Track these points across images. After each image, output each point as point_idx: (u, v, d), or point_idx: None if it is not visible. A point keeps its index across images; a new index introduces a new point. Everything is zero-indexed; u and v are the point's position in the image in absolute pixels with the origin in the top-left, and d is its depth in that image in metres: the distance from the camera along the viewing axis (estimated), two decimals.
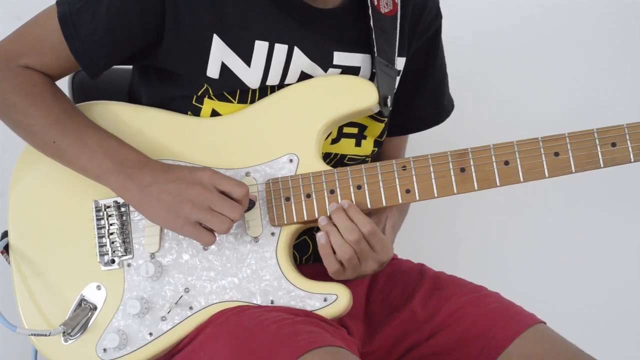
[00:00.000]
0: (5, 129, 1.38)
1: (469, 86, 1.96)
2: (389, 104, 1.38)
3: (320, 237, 1.28)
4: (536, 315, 1.38)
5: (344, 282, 1.38)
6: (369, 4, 1.39)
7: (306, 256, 1.42)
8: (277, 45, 1.34)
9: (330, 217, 1.28)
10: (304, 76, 1.37)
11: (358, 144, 1.45)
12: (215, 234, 1.27)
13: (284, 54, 1.34)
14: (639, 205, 2.09)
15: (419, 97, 1.53)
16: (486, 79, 2.09)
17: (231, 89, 1.36)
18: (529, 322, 1.34)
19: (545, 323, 1.37)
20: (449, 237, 2.16)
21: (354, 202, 1.30)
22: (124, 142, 1.33)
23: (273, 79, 1.35)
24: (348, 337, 1.31)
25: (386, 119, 1.46)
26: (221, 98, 1.36)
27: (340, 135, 1.42)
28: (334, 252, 1.28)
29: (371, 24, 1.38)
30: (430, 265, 1.51)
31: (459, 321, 1.35)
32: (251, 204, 1.29)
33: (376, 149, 1.48)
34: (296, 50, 1.34)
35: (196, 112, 1.38)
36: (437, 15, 1.50)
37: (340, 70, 1.38)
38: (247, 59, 1.34)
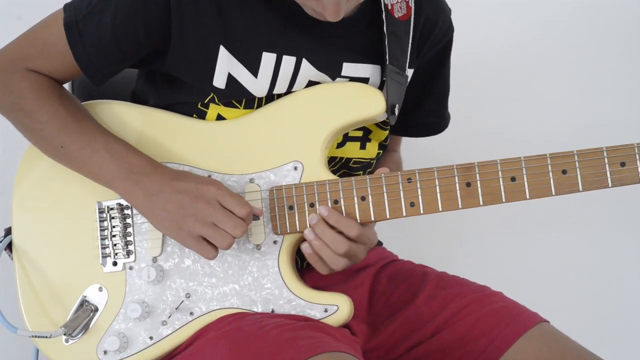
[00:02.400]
0: (5, 128, 1.38)
1: (476, 97, 1.95)
2: (396, 112, 1.36)
3: (305, 248, 1.28)
4: (539, 314, 1.37)
5: (345, 287, 1.38)
6: (383, 9, 1.36)
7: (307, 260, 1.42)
8: (285, 57, 1.32)
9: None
10: (311, 85, 1.35)
11: (363, 147, 1.43)
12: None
13: (292, 65, 1.33)
14: None
15: (422, 105, 1.52)
16: (495, 89, 2.07)
17: (238, 97, 1.34)
18: (533, 321, 1.34)
19: (548, 322, 1.36)
20: (450, 237, 2.15)
21: (358, 214, 1.29)
22: (131, 146, 1.32)
23: (280, 89, 1.34)
24: (351, 337, 1.31)
25: (389, 127, 1.45)
26: (227, 104, 1.35)
27: (346, 139, 1.41)
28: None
29: (384, 29, 1.36)
30: (432, 266, 1.50)
31: (463, 320, 1.35)
32: (256, 218, 1.28)
33: (381, 151, 1.47)
34: (304, 62, 1.33)
35: (201, 116, 1.37)
36: (449, 30, 1.47)
37: (348, 80, 1.37)
38: (254, 70, 1.32)
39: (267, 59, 1.32)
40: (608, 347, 1.32)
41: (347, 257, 1.27)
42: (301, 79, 1.34)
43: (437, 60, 1.49)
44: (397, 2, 1.38)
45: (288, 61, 1.32)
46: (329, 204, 1.30)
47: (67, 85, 1.55)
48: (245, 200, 1.27)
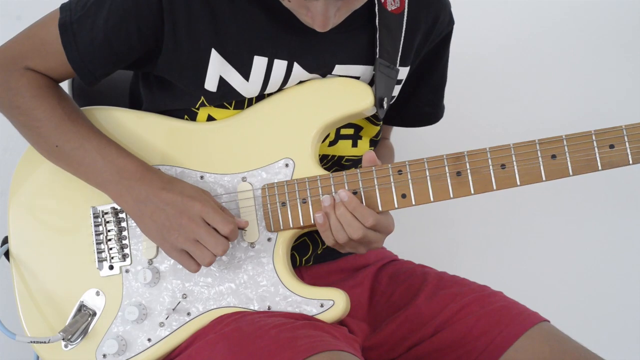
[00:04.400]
0: (5, 128, 1.39)
1: (467, 88, 1.94)
2: (385, 105, 1.37)
3: (318, 217, 1.27)
4: (539, 313, 1.37)
5: (344, 286, 1.38)
6: (376, 2, 1.37)
7: (306, 257, 1.42)
8: (276, 61, 1.33)
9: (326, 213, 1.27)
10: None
11: (354, 145, 1.44)
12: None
13: (283, 69, 1.33)
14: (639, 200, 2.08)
15: (419, 94, 1.52)
16: (484, 81, 2.07)
17: (228, 100, 1.35)
18: (533, 320, 1.34)
19: (549, 321, 1.36)
20: (450, 237, 2.15)
21: None
22: (122, 150, 1.33)
23: (271, 90, 1.35)
24: (349, 336, 1.31)
25: (381, 123, 1.45)
26: (218, 105, 1.36)
27: (338, 137, 1.41)
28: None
29: (376, 22, 1.37)
30: (432, 266, 1.50)
31: (464, 319, 1.35)
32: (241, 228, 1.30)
33: (372, 147, 1.48)
34: (295, 65, 1.33)
35: (192, 117, 1.38)
36: (450, 23, 1.48)
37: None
38: (245, 73, 1.33)
39: (259, 63, 1.32)
40: (608, 347, 1.32)
41: (361, 244, 1.28)
42: (293, 81, 1.34)
43: (436, 51, 1.49)
44: None
45: (279, 65, 1.33)
46: (322, 200, 1.30)
47: (66, 87, 1.57)
48: (230, 217, 1.27)
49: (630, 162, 1.23)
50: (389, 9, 1.38)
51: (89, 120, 1.37)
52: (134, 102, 1.49)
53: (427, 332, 1.36)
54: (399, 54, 1.40)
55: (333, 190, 1.30)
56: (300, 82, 1.35)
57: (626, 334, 2.16)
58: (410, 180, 1.28)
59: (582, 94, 2.11)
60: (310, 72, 1.35)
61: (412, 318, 1.38)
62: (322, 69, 1.35)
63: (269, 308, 1.31)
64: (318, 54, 1.35)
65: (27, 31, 1.39)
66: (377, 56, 1.36)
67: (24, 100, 1.34)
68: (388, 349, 1.38)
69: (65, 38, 1.32)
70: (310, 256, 1.42)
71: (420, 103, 1.54)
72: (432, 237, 2.11)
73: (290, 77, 1.34)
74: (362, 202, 1.28)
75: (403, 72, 1.43)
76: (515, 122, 2.06)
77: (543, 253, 2.16)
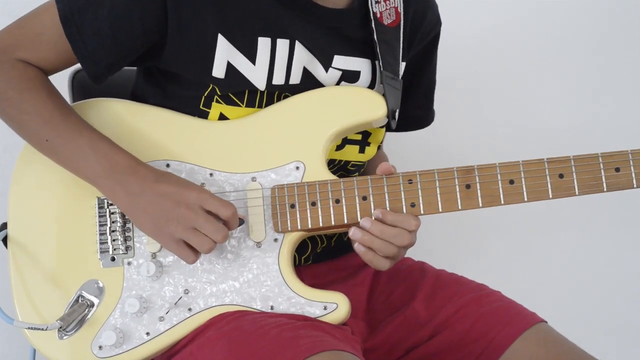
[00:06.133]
0: (5, 128, 1.37)
1: (477, 98, 1.97)
2: (396, 117, 1.40)
3: (358, 247, 1.29)
4: (537, 314, 1.40)
5: (344, 286, 1.40)
6: (372, 17, 1.40)
7: (305, 256, 1.43)
8: (279, 40, 1.34)
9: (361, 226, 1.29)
10: (306, 73, 1.37)
11: (362, 151, 1.46)
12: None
13: (286, 48, 1.35)
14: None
15: (410, 98, 1.54)
16: (494, 91, 2.10)
17: (238, 89, 1.36)
18: (530, 322, 1.36)
19: (546, 322, 1.39)
20: (449, 236, 2.17)
21: (359, 213, 1.31)
22: (115, 145, 1.31)
23: (278, 78, 1.36)
24: (350, 336, 1.32)
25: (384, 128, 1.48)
26: (229, 102, 1.37)
27: (345, 142, 1.43)
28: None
29: (375, 37, 1.40)
30: (431, 264, 1.52)
31: (461, 321, 1.37)
32: (240, 222, 1.30)
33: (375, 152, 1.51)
34: (297, 44, 1.35)
35: (204, 116, 1.38)
36: (437, 24, 1.52)
37: (340, 72, 1.39)
38: (251, 56, 1.34)
39: (263, 44, 1.34)
40: (608, 345, 1.34)
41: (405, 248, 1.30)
42: (296, 66, 1.36)
43: (425, 53, 1.53)
44: (386, 9, 1.42)
45: (282, 44, 1.34)
46: (331, 203, 1.32)
47: (66, 87, 1.56)
48: (230, 202, 1.27)
49: (635, 185, 1.28)
50: (385, 23, 1.41)
51: (80, 115, 1.35)
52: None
53: (425, 334, 1.38)
54: (400, 64, 1.43)
55: (343, 194, 1.31)
56: (304, 68, 1.37)
57: (625, 333, 2.19)
58: (420, 190, 1.31)
59: (583, 91, 2.15)
60: (312, 53, 1.36)
61: (409, 320, 1.40)
62: (323, 53, 1.37)
63: (271, 308, 1.31)
64: (318, 36, 1.37)
65: (18, 22, 1.37)
66: (382, 69, 1.39)
67: (13, 92, 1.33)
68: (387, 350, 1.40)
69: (68, 30, 1.31)
70: (310, 255, 1.44)
71: (410, 107, 1.55)
72: (432, 236, 2.10)
73: (294, 60, 1.35)
74: (371, 209, 1.30)
75: (401, 69, 1.45)
76: (525, 129, 2.08)
77: (541, 252, 2.19)
